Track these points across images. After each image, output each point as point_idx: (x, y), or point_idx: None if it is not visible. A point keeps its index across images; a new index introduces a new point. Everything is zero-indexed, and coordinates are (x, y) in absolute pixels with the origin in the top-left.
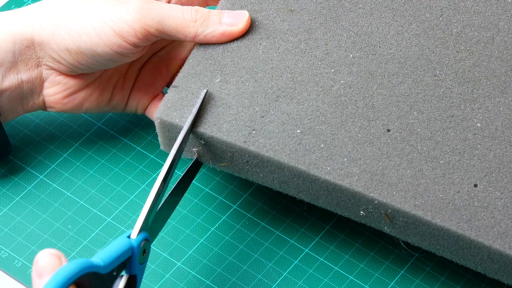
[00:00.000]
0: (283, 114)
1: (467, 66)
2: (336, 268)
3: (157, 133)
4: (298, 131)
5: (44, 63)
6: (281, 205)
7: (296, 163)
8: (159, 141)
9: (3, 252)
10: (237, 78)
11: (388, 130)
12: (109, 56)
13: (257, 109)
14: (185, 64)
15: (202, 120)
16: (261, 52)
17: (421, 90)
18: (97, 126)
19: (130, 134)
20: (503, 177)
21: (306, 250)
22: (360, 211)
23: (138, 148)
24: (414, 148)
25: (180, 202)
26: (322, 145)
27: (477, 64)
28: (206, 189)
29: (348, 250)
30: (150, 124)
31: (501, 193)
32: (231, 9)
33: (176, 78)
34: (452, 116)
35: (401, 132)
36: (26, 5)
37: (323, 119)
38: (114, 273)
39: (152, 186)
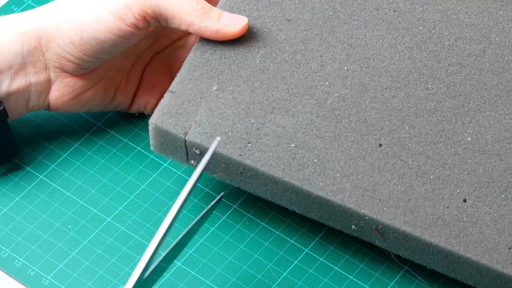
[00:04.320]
0: (278, 127)
1: (459, 80)
2: (336, 268)
3: (150, 136)
4: (293, 145)
5: (52, 65)
6: (280, 205)
7: (290, 178)
8: (150, 142)
9: (3, 252)
10: (234, 87)
11: (380, 145)
12: (112, 42)
13: (253, 121)
14: (181, 68)
15: (198, 130)
16: (258, 61)
17: (413, 104)
18: (97, 126)
19: (130, 134)
20: (492, 191)
21: (306, 250)
22: (352, 225)
23: (138, 148)
24: (405, 163)
25: None
26: (315, 160)
27: (468, 78)
28: (206, 189)
29: (348, 250)
30: None
31: (490, 207)
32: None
33: (172, 83)
34: (443, 130)
35: (392, 147)
36: (26, 5)
37: (317, 133)
38: None
39: (152, 187)
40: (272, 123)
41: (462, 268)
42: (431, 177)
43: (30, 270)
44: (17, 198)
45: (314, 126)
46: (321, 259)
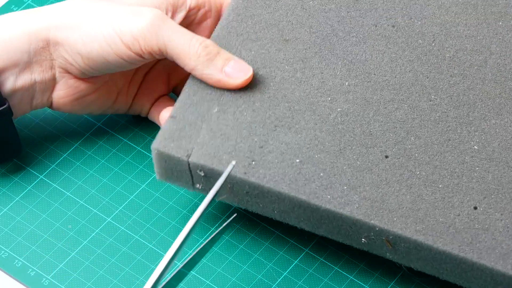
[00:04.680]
0: (282, 144)
1: (462, 90)
2: (336, 268)
3: (153, 163)
4: (297, 160)
5: (58, 65)
6: None
7: (297, 193)
8: (155, 171)
9: (3, 252)
10: (234, 108)
11: (386, 157)
12: (119, 64)
13: (256, 139)
14: (182, 93)
15: (201, 151)
16: (258, 82)
17: (417, 115)
18: (97, 126)
19: (130, 134)
20: (502, 198)
21: (306, 250)
22: (362, 238)
23: (138, 148)
24: (413, 173)
25: (180, 202)
26: (321, 174)
27: (471, 87)
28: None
29: (348, 250)
30: (150, 124)
31: (501, 214)
32: (226, 37)
33: (173, 108)
34: (449, 140)
35: (399, 158)
36: (26, 5)
37: (322, 147)
38: None
39: (152, 187)
40: (275, 140)
41: (476, 276)
42: (440, 186)
43: (30, 270)
44: (17, 198)
45: (319, 141)
46: (321, 259)
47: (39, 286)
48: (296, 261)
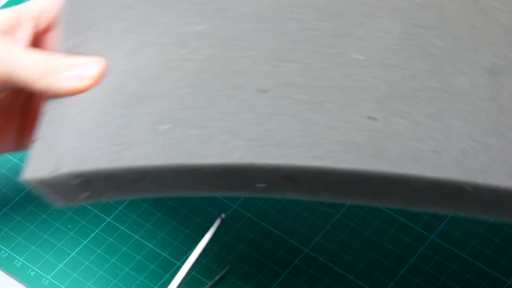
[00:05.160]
0: (145, 115)
1: (326, 1)
2: (336, 268)
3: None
4: (166, 127)
5: None
6: (281, 205)
7: (175, 159)
8: (46, 201)
9: (3, 252)
10: (92, 101)
11: (263, 91)
12: None
13: (119, 122)
14: (41, 115)
15: (69, 159)
16: (110, 65)
17: (285, 39)
18: None
19: None
20: (400, 102)
21: (306, 250)
22: (258, 184)
23: None
24: (297, 100)
25: (180, 201)
26: (195, 132)
27: None
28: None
29: (348, 250)
30: None
31: (402, 118)
32: (68, 35)
33: (35, 133)
34: (327, 56)
35: (277, 89)
36: None
37: (188, 104)
38: None
39: None
40: (139, 115)
41: (390, 190)
42: (330, 105)
43: (30, 270)
44: (16, 198)
45: (185, 99)
46: (321, 259)
47: (39, 286)
48: (296, 261)
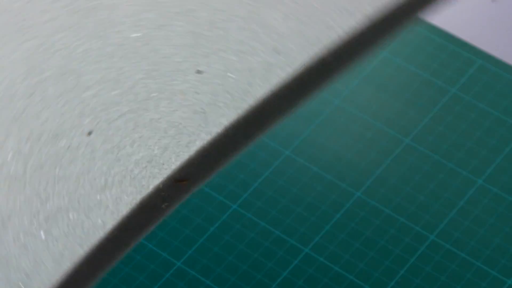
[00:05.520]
0: None
1: None
2: (336, 268)
3: None
4: None
5: None
6: (281, 205)
7: None
8: None
9: None
10: None
11: None
12: None
13: None
14: None
15: None
16: None
17: None
18: None
19: None
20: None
21: (306, 250)
22: None
23: None
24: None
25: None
26: None
27: None
28: (206, 189)
29: (348, 250)
30: None
31: (228, 71)
32: None
33: None
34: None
35: None
36: None
37: None
38: None
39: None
40: None
41: None
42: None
43: None
44: None
45: None
46: (321, 259)
47: None
48: (296, 261)
